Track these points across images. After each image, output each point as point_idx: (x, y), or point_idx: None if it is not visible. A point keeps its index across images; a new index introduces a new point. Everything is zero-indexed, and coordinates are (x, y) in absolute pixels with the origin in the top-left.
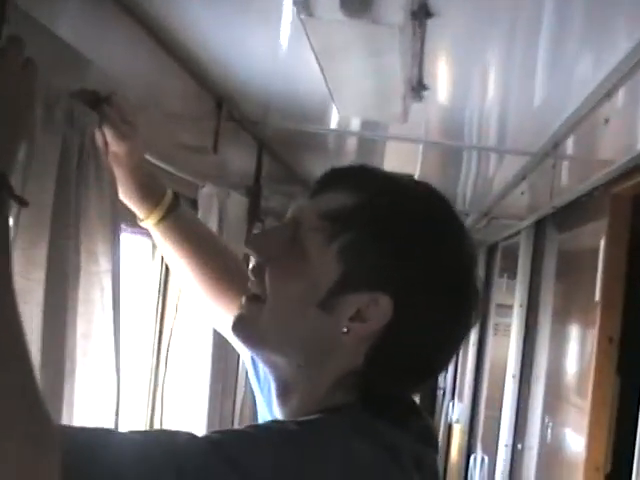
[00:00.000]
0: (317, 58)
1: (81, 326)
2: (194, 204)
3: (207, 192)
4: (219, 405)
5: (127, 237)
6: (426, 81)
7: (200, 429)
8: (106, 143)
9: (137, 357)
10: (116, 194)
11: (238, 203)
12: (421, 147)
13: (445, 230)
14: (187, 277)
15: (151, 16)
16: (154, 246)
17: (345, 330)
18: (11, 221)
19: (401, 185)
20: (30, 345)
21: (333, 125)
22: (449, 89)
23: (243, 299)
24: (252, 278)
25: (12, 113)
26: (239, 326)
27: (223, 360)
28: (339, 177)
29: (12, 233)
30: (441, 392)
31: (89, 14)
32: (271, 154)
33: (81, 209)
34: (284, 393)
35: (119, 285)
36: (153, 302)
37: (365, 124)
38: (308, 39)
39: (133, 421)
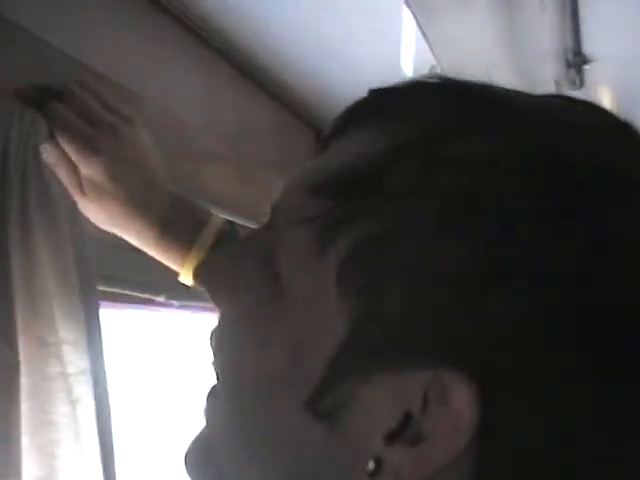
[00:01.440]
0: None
1: (37, 471)
2: None
3: None
4: None
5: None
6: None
7: None
8: (71, 163)
9: None
10: (84, 249)
11: None
12: None
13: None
14: None
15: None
16: None
17: (371, 468)
18: None
19: (507, 105)
20: None
21: None
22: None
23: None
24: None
25: None
26: (189, 454)
27: None
28: (376, 106)
29: None
30: None
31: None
32: None
33: (12, 278)
34: None
35: (107, 393)
36: None
37: None
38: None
39: None
